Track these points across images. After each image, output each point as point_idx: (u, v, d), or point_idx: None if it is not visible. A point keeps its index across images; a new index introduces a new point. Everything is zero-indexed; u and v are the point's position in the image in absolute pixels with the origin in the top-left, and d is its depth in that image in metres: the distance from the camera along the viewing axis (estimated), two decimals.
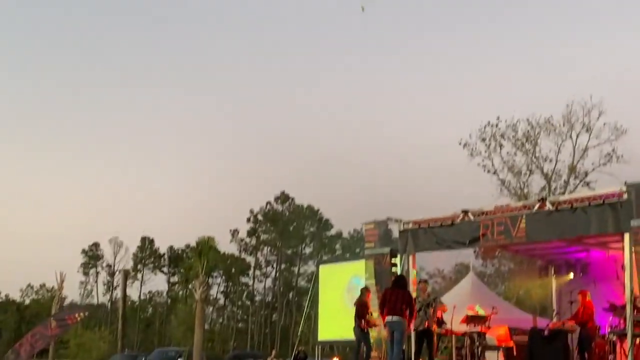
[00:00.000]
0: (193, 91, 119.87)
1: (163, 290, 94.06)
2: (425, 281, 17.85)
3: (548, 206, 15.75)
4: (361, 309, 16.86)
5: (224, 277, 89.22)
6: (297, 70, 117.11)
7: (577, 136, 44.26)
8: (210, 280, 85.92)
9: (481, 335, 17.22)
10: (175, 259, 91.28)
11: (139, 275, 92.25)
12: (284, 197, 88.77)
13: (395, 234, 19.70)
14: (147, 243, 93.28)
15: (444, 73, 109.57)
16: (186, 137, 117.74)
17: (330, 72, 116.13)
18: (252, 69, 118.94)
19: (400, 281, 15.41)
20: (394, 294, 15.00)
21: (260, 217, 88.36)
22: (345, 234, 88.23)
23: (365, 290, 17.58)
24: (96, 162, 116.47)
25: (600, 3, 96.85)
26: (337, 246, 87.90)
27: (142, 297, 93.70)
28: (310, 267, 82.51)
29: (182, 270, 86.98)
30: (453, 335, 18.33)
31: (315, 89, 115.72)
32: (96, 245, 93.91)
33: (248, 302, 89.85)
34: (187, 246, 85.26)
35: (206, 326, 71.86)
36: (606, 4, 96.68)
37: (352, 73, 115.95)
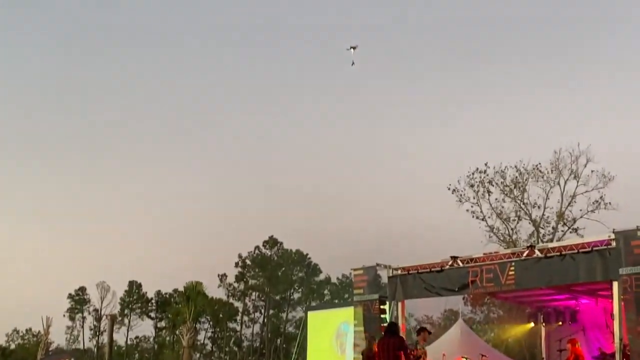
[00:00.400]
0: (180, 136, 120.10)
1: (150, 336, 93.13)
2: (430, 332, 17.63)
3: (537, 253, 15.75)
4: (371, 358, 16.67)
5: (211, 323, 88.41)
6: (288, 114, 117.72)
7: (565, 183, 44.51)
8: (197, 326, 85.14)
9: None
10: (163, 303, 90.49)
11: (126, 320, 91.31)
12: (272, 242, 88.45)
13: (384, 279, 19.65)
14: (134, 287, 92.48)
15: (434, 118, 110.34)
16: (175, 181, 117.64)
17: (320, 118, 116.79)
18: (241, 114, 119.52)
19: (391, 328, 15.22)
20: (385, 343, 14.80)
21: (248, 262, 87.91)
22: (333, 279, 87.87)
23: (372, 339, 17.37)
24: (83, 206, 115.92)
25: (587, 55, 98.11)
26: (326, 291, 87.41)
27: (128, 343, 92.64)
28: (298, 312, 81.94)
29: (169, 316, 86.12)
30: None
31: (305, 135, 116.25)
32: (83, 289, 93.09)
33: (236, 348, 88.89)
34: (175, 291, 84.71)
35: None
36: (593, 56, 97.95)
37: (343, 119, 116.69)
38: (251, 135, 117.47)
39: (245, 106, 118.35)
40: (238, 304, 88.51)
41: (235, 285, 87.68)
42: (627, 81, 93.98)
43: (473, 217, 45.51)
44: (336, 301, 68.22)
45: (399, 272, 18.84)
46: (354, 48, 34.76)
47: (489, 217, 45.47)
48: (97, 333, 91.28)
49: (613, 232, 14.48)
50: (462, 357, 18.33)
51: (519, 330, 25.53)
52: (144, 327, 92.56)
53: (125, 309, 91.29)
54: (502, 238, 45.12)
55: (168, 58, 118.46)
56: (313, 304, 76.73)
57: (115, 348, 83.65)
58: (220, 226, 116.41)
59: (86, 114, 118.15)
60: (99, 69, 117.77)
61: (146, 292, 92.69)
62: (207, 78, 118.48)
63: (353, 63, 36.42)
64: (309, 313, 33.35)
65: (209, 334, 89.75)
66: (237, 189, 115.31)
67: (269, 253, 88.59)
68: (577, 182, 44.04)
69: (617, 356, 14.24)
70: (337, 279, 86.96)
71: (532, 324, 21.96)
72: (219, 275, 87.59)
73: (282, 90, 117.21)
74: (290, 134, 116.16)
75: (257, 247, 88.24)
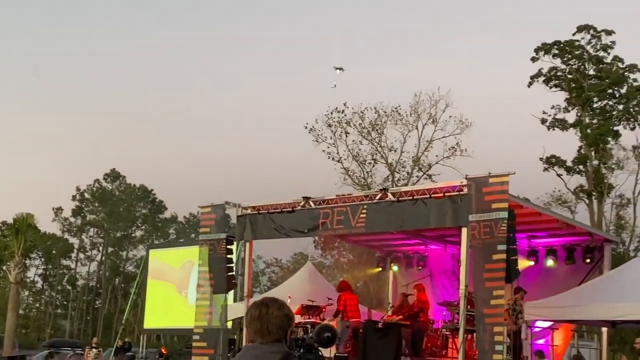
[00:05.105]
0: (17, 59, 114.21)
1: None
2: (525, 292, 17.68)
3: (389, 197, 16.24)
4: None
5: (43, 259, 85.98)
6: (137, 42, 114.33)
7: (423, 127, 46.04)
8: (27, 262, 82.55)
9: (315, 326, 17.56)
10: None
11: None
12: (114, 175, 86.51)
13: (234, 219, 19.74)
14: None
15: (295, 55, 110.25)
16: (6, 102, 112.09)
17: (169, 54, 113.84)
18: (86, 43, 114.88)
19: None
20: None
21: (87, 196, 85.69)
22: (180, 218, 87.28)
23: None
24: None
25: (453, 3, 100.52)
26: (172, 230, 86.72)
27: None
28: (140, 251, 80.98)
29: None
30: None
31: (157, 65, 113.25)
32: None
33: (69, 287, 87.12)
34: (3, 223, 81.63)
35: (20, 311, 69.16)
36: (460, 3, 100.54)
37: (196, 54, 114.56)
38: (99, 62, 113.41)
39: (93, 34, 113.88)
40: (74, 240, 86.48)
41: (72, 220, 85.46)
42: (489, 29, 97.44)
43: (329, 158, 46.37)
44: (181, 240, 68.02)
45: (249, 211, 18.96)
46: (340, 69, 35.06)
47: (345, 159, 46.48)
48: None
49: (465, 178, 15.11)
50: (309, 301, 18.77)
51: (368, 274, 26.43)
52: None
53: None
54: (357, 181, 46.31)
55: None
56: (157, 242, 76.14)
57: None
58: (56, 155, 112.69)
59: None
60: None
61: None
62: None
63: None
64: (151, 251, 33.15)
65: (40, 271, 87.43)
66: (78, 116, 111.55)
67: (110, 187, 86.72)
68: (435, 127, 45.70)
69: (461, 302, 15.01)
70: (184, 217, 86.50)
71: (380, 269, 22.79)
72: (53, 209, 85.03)
73: (133, 14, 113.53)
74: (143, 64, 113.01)
75: (97, 180, 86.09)
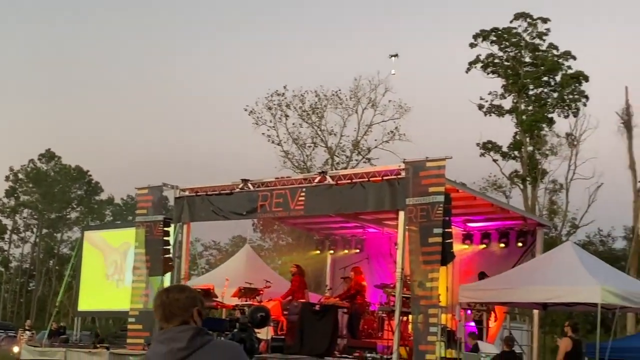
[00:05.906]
0: None
1: None
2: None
3: (328, 180, 16.32)
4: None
5: None
6: (74, 22, 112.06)
7: (363, 111, 46.29)
8: None
9: None
10: None
11: None
12: (49, 156, 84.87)
13: (172, 201, 19.63)
14: None
15: (234, 38, 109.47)
16: None
17: (105, 34, 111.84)
18: (19, 22, 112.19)
19: None
20: None
21: (21, 176, 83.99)
22: (117, 200, 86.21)
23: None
24: None
25: None
26: (108, 212, 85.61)
27: None
28: (75, 233, 79.76)
29: None
30: (223, 309, 18.66)
31: (94, 44, 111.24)
32: None
33: (2, 269, 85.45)
34: None
35: None
36: None
37: (134, 33, 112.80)
38: (27, 37, 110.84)
39: (36, 17, 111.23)
40: (7, 222, 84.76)
41: (5, 201, 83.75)
42: (429, 14, 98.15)
43: (269, 141, 46.31)
44: (118, 222, 67.20)
45: (187, 193, 18.88)
46: (395, 56, 35.05)
47: (285, 142, 46.48)
48: None
49: (403, 162, 15.26)
50: (246, 284, 18.75)
51: (307, 258, 26.46)
52: None
53: None
54: (296, 164, 46.37)
55: None
56: (92, 224, 75.10)
57: None
58: None
59: None
60: None
61: None
62: None
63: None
64: (86, 233, 32.69)
65: None
66: (13, 95, 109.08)
67: (45, 168, 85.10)
68: (375, 111, 46.01)
69: (398, 285, 15.19)
70: (122, 199, 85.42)
71: (318, 252, 22.91)
72: None
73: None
74: (82, 46, 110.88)
75: (31, 161, 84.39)
